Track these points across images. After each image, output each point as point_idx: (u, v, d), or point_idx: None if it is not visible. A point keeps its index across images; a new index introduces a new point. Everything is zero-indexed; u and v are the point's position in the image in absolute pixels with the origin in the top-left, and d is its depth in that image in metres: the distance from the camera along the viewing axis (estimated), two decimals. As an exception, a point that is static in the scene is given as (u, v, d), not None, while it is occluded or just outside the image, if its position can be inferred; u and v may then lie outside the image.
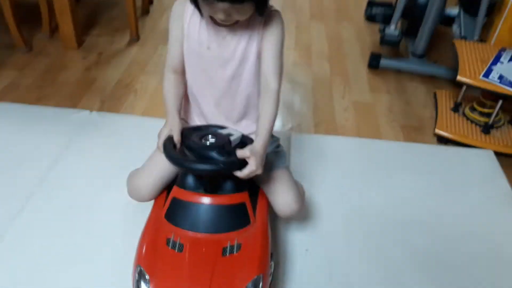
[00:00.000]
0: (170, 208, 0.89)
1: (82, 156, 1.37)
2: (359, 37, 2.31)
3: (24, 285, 0.99)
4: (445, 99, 1.77)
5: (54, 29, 2.07)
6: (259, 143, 0.88)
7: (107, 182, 1.26)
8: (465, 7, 2.03)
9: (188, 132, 0.93)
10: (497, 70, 1.50)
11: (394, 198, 1.32)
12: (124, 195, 1.05)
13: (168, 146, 0.88)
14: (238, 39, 0.91)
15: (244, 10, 0.83)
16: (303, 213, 1.18)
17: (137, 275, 0.81)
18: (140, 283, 0.80)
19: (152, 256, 0.83)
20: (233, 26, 0.90)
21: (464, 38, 1.90)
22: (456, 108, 1.71)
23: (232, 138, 0.90)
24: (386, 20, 2.03)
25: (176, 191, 0.90)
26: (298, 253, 1.11)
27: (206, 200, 0.87)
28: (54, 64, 1.87)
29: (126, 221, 1.13)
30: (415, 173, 1.43)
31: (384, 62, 2.00)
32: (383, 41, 1.94)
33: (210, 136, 0.90)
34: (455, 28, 2.16)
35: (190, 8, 0.91)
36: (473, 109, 1.67)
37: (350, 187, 1.34)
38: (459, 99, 1.70)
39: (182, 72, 0.98)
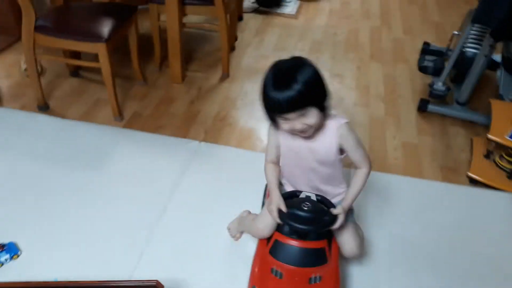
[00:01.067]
0: (273, 246, 1.28)
1: (195, 180, 1.87)
2: (412, 79, 2.70)
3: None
4: (480, 146, 2.14)
5: (162, 62, 2.61)
6: (347, 204, 1.27)
7: (218, 206, 1.75)
8: (506, 65, 2.37)
9: (287, 202, 1.27)
10: (522, 131, 1.87)
11: (429, 227, 1.73)
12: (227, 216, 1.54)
13: (283, 215, 1.23)
14: (321, 144, 1.24)
15: (311, 114, 1.14)
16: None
17: None
18: None
19: (262, 279, 1.28)
20: (314, 135, 1.23)
21: (501, 96, 2.26)
22: (488, 155, 2.08)
23: (312, 198, 1.28)
24: (436, 72, 2.40)
25: (278, 235, 1.28)
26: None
27: (298, 243, 1.24)
28: (165, 97, 2.40)
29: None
30: (448, 209, 1.84)
31: (431, 107, 2.39)
32: (431, 94, 2.34)
33: (305, 203, 1.24)
34: (498, 74, 2.48)
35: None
36: (502, 157, 2.04)
37: (394, 220, 1.77)
38: (491, 148, 2.08)
39: (278, 162, 1.36)
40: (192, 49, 2.83)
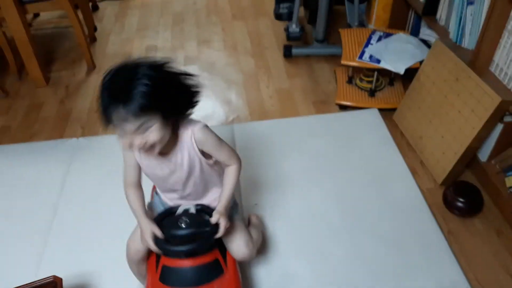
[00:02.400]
0: (162, 273, 1.14)
1: (80, 176, 1.84)
2: (274, 30, 2.83)
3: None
4: (342, 75, 2.34)
5: (20, 70, 2.46)
6: (222, 206, 1.13)
7: (109, 195, 1.75)
8: (347, -5, 2.58)
9: (161, 223, 1.13)
10: (368, 51, 2.08)
11: (311, 155, 1.89)
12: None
13: (160, 242, 1.08)
14: (180, 156, 1.09)
15: (153, 128, 0.96)
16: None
17: None
18: None
19: None
20: (168, 150, 1.07)
21: (349, 25, 2.47)
22: (350, 81, 2.29)
23: (191, 210, 1.15)
24: (291, 17, 2.55)
25: (164, 260, 1.13)
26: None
27: (189, 263, 1.12)
28: (32, 104, 2.28)
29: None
30: (324, 135, 2.01)
31: (295, 51, 2.55)
32: (289, 38, 2.48)
33: (182, 219, 1.12)
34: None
35: None
36: (361, 80, 2.25)
37: (279, 157, 1.90)
38: (350, 73, 2.28)
39: (139, 184, 1.17)
40: (51, 49, 2.70)
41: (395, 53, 2.04)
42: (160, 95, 0.95)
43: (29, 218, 1.67)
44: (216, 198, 1.19)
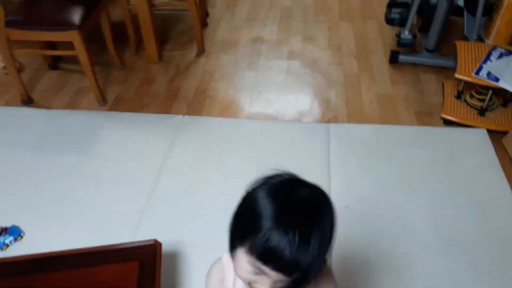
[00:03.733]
0: None
1: (183, 151, 1.96)
2: (382, 34, 2.77)
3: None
4: (451, 88, 2.24)
5: (138, 46, 2.66)
6: None
7: (207, 172, 1.85)
8: (467, 7, 2.45)
9: None
10: (486, 67, 1.97)
11: (408, 166, 1.84)
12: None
13: None
14: None
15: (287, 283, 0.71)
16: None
17: None
18: None
19: None
20: None
21: (466, 37, 2.34)
22: (459, 96, 2.18)
23: None
24: (403, 23, 2.48)
25: None
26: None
27: None
28: (145, 78, 2.46)
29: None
30: (425, 148, 1.94)
31: (402, 57, 2.47)
32: (400, 44, 2.42)
33: None
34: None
35: (232, 272, 0.80)
36: (472, 96, 2.14)
37: (374, 163, 1.87)
38: (460, 88, 2.17)
39: None
40: (166, 29, 2.88)
41: (517, 73, 1.90)
42: (323, 250, 0.71)
43: (133, 181, 1.81)
44: None
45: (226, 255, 0.80)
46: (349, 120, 2.14)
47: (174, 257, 1.52)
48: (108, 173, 1.85)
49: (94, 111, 2.21)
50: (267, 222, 0.68)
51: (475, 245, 1.54)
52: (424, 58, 2.47)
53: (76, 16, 2.02)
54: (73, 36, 2.01)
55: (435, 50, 2.47)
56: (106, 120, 2.15)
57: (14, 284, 1.23)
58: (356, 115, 2.17)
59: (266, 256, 0.68)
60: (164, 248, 1.38)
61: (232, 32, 2.83)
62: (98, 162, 1.90)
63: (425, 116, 2.16)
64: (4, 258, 1.35)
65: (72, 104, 2.28)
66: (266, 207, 0.69)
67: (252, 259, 0.70)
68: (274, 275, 0.69)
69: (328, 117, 2.17)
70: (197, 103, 2.26)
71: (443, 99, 2.20)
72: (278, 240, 0.66)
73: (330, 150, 1.93)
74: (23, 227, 1.62)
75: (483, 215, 1.65)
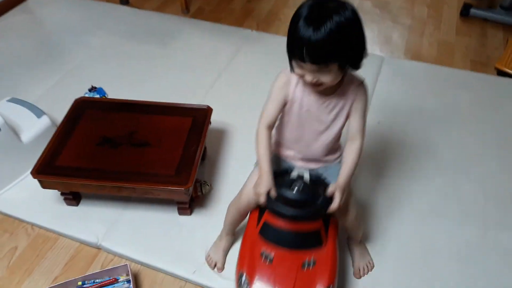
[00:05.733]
0: (263, 227, 1.16)
1: (246, 59, 2.22)
2: (460, -12, 2.79)
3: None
4: (514, 44, 2.26)
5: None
6: (342, 181, 1.08)
7: (264, 79, 2.10)
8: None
9: (278, 181, 1.11)
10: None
11: (455, 108, 1.96)
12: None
13: (271, 200, 1.09)
14: (334, 105, 1.08)
15: (329, 72, 0.96)
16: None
17: (240, 278, 1.12)
18: (242, 281, 1.11)
19: (251, 265, 1.13)
20: (330, 94, 1.07)
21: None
22: (520, 51, 2.20)
23: (305, 176, 1.15)
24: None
25: (268, 216, 1.15)
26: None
27: (291, 225, 1.12)
28: (225, -4, 2.74)
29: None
30: (472, 92, 2.03)
31: (473, 11, 2.50)
32: (474, -6, 2.42)
33: (296, 183, 1.10)
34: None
35: (295, 78, 1.07)
36: (532, 53, 2.15)
37: (418, 97, 2.01)
38: (523, 45, 2.18)
39: (272, 127, 1.14)
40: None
41: None
42: (348, 44, 0.94)
43: (199, 73, 2.11)
44: (328, 164, 1.20)
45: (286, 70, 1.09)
46: (404, 58, 2.27)
47: (221, 131, 1.81)
48: (181, 64, 2.17)
49: (178, 16, 2.53)
50: (300, 22, 0.92)
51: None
52: (497, 15, 2.48)
53: None
54: None
55: (511, 8, 2.46)
56: (186, 24, 2.46)
57: (99, 115, 1.59)
58: (412, 54, 2.29)
59: (299, 51, 0.94)
60: (214, 123, 1.65)
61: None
62: (175, 54, 2.23)
63: (479, 65, 2.22)
64: (94, 98, 1.74)
65: (160, 9, 2.62)
66: (301, 13, 0.94)
67: (296, 60, 0.98)
68: (309, 66, 0.96)
69: (385, 51, 2.31)
70: (267, 23, 2.50)
71: (503, 53, 2.24)
72: (305, 31, 0.91)
73: (378, 78, 2.09)
74: (107, 90, 2.00)
75: None
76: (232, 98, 1.98)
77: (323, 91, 1.06)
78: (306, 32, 0.91)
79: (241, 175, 1.43)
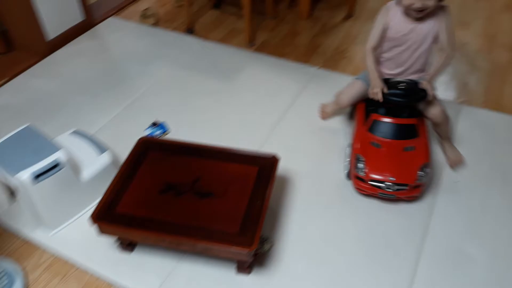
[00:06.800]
0: (372, 125, 1.60)
1: (312, 97, 2.12)
2: (547, 32, 2.57)
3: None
4: None
5: (291, 1, 2.85)
6: (430, 76, 1.54)
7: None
8: None
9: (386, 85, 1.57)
10: None
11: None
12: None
13: (386, 95, 1.54)
14: (424, 28, 1.51)
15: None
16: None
17: (356, 159, 1.56)
18: (358, 162, 1.55)
19: (364, 149, 1.57)
20: (421, 19, 1.49)
21: None
22: None
23: (404, 81, 1.57)
24: None
25: (375, 116, 1.59)
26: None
27: (393, 120, 1.57)
28: (291, 30, 2.65)
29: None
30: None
31: None
32: None
33: (400, 85, 1.55)
34: None
35: (393, 9, 1.54)
36: None
37: (501, 153, 1.83)
38: None
39: (376, 48, 1.60)
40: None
41: None
42: None
43: (261, 112, 2.03)
44: (419, 78, 1.61)
45: (391, 2, 1.57)
46: (484, 107, 2.09)
47: (283, 178, 1.71)
48: (244, 99, 2.11)
49: (243, 49, 2.48)
50: None
51: None
52: None
53: (248, -40, 2.27)
54: (242, -22, 2.27)
55: None
56: (251, 59, 2.40)
57: (162, 158, 1.53)
58: (492, 104, 2.10)
59: None
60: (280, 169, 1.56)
61: (384, 1, 2.85)
62: (238, 90, 2.17)
63: None
64: (157, 138, 1.68)
65: (224, 40, 2.58)
66: None
67: None
68: None
69: (462, 99, 2.14)
70: (334, 61, 2.39)
71: None
72: None
73: (457, 128, 1.92)
74: (170, 126, 1.96)
75: None
76: (296, 141, 1.88)
77: (419, 19, 1.49)
78: None
79: (304, 230, 1.35)
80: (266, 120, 1.99)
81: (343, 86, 2.17)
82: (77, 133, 1.70)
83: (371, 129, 1.59)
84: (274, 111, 2.04)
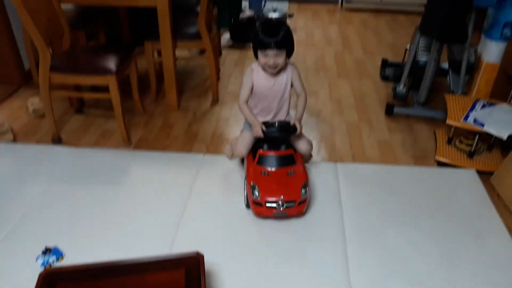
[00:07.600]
0: (259, 159, 1.95)
1: (206, 183, 2.15)
2: (376, 90, 3.11)
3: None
4: (442, 135, 2.52)
5: (157, 95, 2.91)
6: (298, 116, 1.99)
7: (228, 200, 2.03)
8: (452, 67, 2.82)
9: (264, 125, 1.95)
10: (472, 115, 2.27)
11: (408, 201, 2.06)
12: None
13: (266, 132, 1.92)
14: (281, 80, 1.94)
15: (282, 55, 1.83)
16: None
17: (252, 187, 1.86)
18: (253, 190, 1.85)
19: (256, 178, 1.90)
20: (277, 74, 1.92)
21: (452, 91, 2.67)
22: (449, 141, 2.46)
23: (278, 121, 1.98)
24: (396, 79, 2.82)
25: (261, 152, 1.96)
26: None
27: (276, 153, 1.96)
28: (165, 123, 2.69)
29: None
30: (422, 186, 2.17)
31: (396, 110, 2.78)
32: (395, 96, 2.74)
33: (275, 124, 1.95)
34: (448, 78, 2.94)
35: (255, 69, 1.94)
36: (460, 142, 2.42)
37: (376, 197, 2.09)
38: (451, 135, 2.46)
39: (248, 101, 1.99)
40: (183, 82, 3.16)
41: (499, 120, 2.20)
42: (290, 40, 1.85)
43: (161, 208, 1.97)
44: (286, 117, 2.07)
45: (254, 64, 1.97)
46: (353, 161, 2.38)
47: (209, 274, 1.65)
48: (138, 202, 2.02)
49: (121, 149, 2.40)
50: (260, 33, 1.81)
51: (472, 272, 1.73)
52: (416, 111, 2.78)
53: (112, 63, 2.28)
54: (110, 81, 2.26)
55: (425, 104, 2.78)
56: (133, 157, 2.34)
57: (76, 287, 1.35)
58: (359, 157, 2.41)
59: (263, 45, 1.81)
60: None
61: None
62: (129, 193, 2.07)
63: (420, 159, 2.41)
64: (62, 267, 1.48)
65: (98, 143, 2.47)
66: (259, 28, 1.84)
67: (261, 50, 1.83)
68: (271, 52, 1.81)
69: (335, 158, 2.41)
70: (215, 145, 2.48)
71: (436, 144, 2.48)
72: (265, 36, 1.80)
73: (340, 187, 2.14)
74: (64, 248, 1.75)
75: (478, 242, 1.85)
76: (205, 227, 1.86)
77: (275, 74, 1.91)
78: (266, 38, 1.81)
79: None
80: (168, 215, 1.93)
81: (232, 167, 2.29)
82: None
83: (259, 162, 1.95)
84: (174, 203, 2.00)
